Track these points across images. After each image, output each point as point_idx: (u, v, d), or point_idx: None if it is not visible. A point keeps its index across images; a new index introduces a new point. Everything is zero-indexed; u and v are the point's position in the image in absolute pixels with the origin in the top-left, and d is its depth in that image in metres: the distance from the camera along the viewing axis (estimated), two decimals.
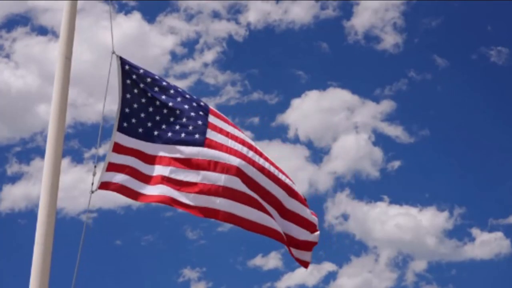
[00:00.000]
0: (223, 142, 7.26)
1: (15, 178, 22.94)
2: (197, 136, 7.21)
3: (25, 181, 23.05)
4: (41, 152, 21.91)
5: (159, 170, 7.08)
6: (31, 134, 23.48)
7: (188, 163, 7.14)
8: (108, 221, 22.61)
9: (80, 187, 22.69)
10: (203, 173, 7.10)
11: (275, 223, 7.25)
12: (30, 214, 21.95)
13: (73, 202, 22.27)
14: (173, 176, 7.06)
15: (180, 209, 7.11)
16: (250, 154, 7.32)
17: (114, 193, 7.00)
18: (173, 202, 7.02)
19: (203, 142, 7.20)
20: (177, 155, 7.14)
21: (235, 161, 7.18)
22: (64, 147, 6.35)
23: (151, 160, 7.10)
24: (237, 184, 7.12)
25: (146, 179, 7.03)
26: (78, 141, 23.53)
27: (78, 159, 23.51)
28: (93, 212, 21.12)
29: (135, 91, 7.18)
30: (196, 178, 7.08)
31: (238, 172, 7.15)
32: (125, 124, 7.08)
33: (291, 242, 7.46)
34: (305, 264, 7.56)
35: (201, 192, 7.04)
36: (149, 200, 7.02)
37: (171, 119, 7.24)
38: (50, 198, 6.09)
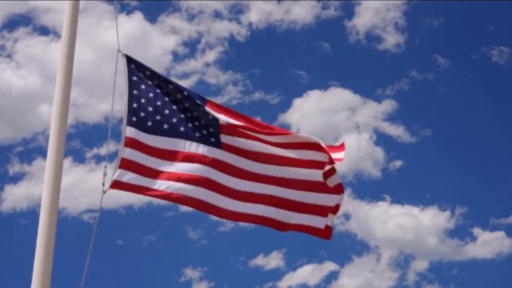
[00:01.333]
0: (239, 146, 7.39)
1: (16, 178, 22.97)
2: (212, 139, 7.32)
3: (27, 181, 23.08)
4: (42, 152, 21.95)
5: (169, 165, 7.11)
6: (33, 134, 23.50)
7: (204, 160, 7.23)
8: (110, 220, 22.58)
9: (81, 187, 22.74)
10: (220, 174, 7.25)
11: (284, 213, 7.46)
12: (31, 214, 21.95)
13: (75, 202, 22.31)
14: (186, 172, 7.12)
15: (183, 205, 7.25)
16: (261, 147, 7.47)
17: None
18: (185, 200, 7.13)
19: (219, 145, 7.32)
20: (192, 151, 7.21)
21: (254, 166, 7.38)
22: (66, 147, 6.36)
23: (160, 154, 7.12)
24: (256, 188, 7.36)
25: (156, 174, 7.05)
26: (80, 141, 23.56)
27: (79, 159, 23.54)
28: (95, 212, 21.08)
29: (142, 86, 7.23)
30: (214, 177, 7.22)
31: (257, 178, 7.38)
32: (134, 119, 7.11)
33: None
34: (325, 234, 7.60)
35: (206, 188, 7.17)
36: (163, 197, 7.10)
37: (182, 116, 7.31)
38: (52, 198, 6.09)
